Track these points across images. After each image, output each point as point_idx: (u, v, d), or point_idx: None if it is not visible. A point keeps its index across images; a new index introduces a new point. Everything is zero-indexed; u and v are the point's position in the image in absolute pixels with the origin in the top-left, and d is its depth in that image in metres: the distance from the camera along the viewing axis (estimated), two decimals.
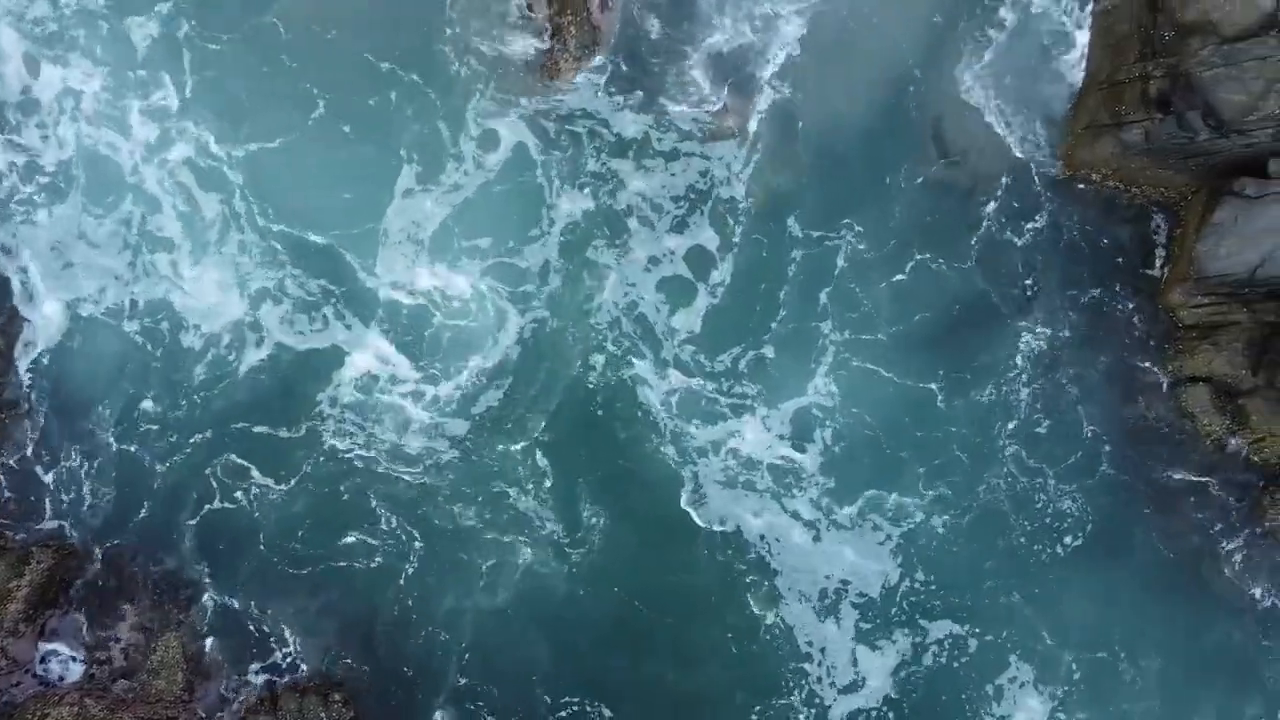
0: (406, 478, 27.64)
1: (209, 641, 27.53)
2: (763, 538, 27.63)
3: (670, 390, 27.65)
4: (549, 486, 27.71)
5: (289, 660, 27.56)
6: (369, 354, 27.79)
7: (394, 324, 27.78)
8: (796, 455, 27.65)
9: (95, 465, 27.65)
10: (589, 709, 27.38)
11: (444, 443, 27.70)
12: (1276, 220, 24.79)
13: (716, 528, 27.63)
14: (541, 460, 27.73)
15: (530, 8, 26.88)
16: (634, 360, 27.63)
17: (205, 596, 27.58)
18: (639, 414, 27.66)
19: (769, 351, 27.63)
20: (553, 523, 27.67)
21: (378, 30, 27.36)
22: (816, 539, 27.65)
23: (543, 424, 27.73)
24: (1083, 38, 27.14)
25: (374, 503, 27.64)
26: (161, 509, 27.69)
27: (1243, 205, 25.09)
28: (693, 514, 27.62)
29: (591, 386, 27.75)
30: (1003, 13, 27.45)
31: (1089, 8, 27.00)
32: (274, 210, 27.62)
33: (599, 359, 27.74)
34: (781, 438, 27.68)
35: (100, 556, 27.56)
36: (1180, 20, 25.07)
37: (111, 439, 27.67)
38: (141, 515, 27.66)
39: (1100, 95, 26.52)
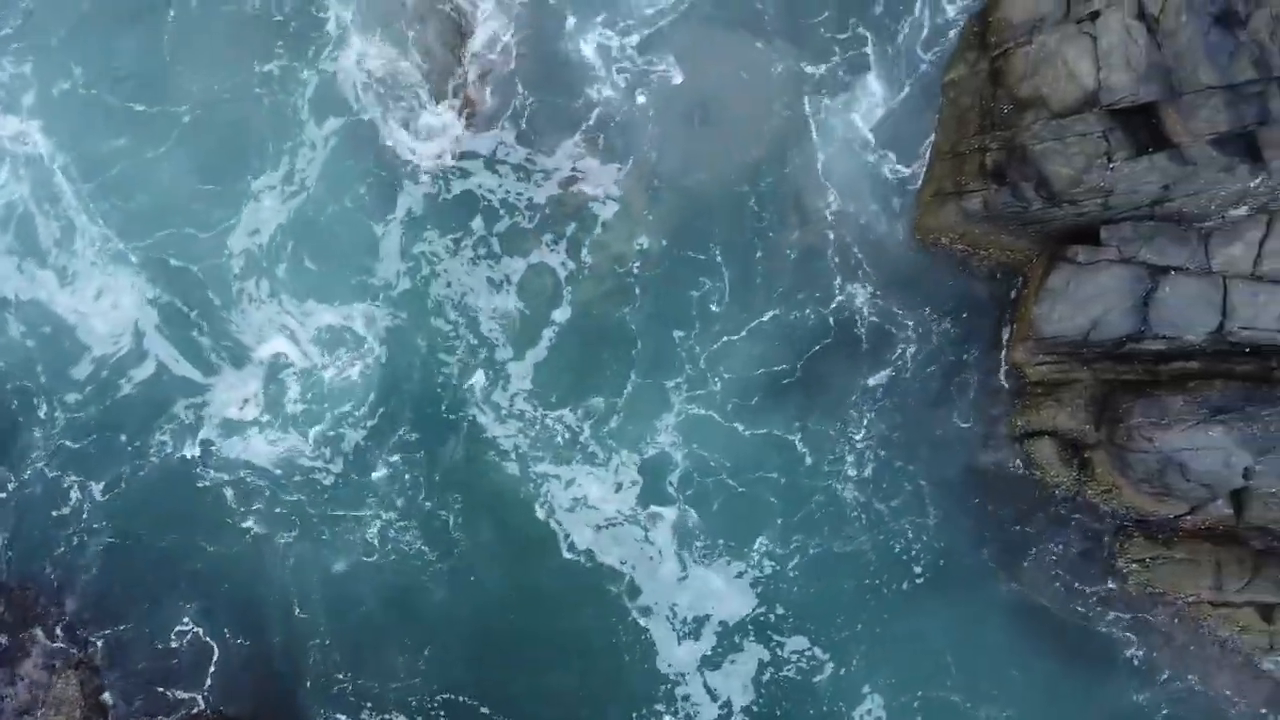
0: (272, 494, 29.28)
1: (106, 677, 29.08)
2: (624, 561, 29.25)
3: (518, 430, 29.32)
4: (413, 502, 29.35)
5: (181, 696, 29.11)
6: (230, 375, 29.52)
7: (252, 347, 29.39)
8: (648, 501, 29.14)
9: None
10: (466, 701, 29.09)
11: (310, 464, 29.33)
12: (1105, 286, 25.87)
13: (578, 552, 29.29)
14: (404, 479, 29.35)
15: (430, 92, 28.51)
16: (484, 394, 29.30)
17: (101, 633, 29.16)
18: (493, 442, 29.35)
19: (618, 401, 29.14)
20: (418, 533, 29.29)
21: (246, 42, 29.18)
22: (682, 573, 29.18)
23: (402, 445, 29.38)
24: (936, 108, 28.48)
25: (245, 522, 29.34)
26: (58, 544, 29.49)
27: (1075, 271, 26.22)
28: (556, 536, 29.31)
29: (447, 410, 29.37)
30: (866, 80, 28.77)
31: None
32: (126, 229, 29.20)
33: (452, 385, 29.39)
34: (632, 484, 29.14)
35: (4, 594, 29.19)
36: (1017, 95, 26.30)
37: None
38: (40, 550, 29.45)
39: (946, 165, 27.77)
